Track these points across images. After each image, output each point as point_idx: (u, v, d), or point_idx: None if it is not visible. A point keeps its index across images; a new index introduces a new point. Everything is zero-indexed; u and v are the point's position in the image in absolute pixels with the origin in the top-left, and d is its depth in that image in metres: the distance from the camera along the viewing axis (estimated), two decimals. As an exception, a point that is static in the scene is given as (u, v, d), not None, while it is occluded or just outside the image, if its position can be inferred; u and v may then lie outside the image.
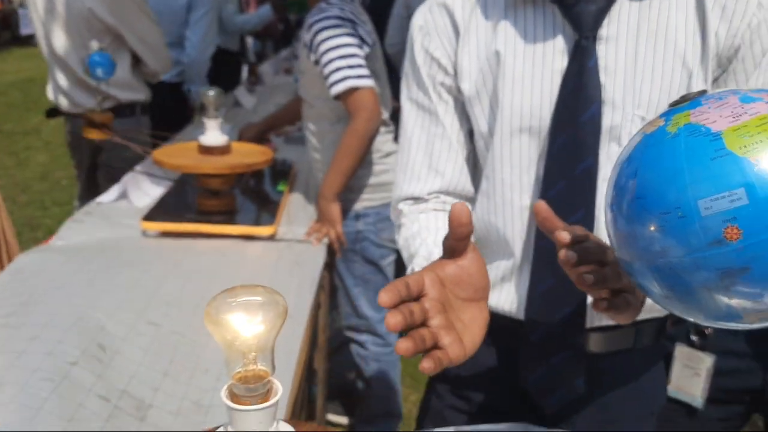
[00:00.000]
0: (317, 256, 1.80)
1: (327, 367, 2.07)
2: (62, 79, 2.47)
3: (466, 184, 1.03)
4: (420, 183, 1.01)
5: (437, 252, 0.89)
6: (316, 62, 1.90)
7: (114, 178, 2.52)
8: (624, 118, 0.88)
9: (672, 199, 0.51)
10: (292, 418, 1.49)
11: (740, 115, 0.50)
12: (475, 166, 1.05)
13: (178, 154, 1.91)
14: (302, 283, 1.62)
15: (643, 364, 1.05)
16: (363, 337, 2.22)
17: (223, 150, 1.90)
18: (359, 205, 2.09)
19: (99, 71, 2.17)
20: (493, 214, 0.99)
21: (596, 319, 0.97)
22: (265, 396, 0.55)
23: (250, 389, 0.54)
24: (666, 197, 0.51)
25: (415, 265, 0.90)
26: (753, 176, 0.47)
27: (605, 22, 0.88)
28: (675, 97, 0.88)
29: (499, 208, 0.97)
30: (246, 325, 0.53)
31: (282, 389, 0.55)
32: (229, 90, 4.01)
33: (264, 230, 1.81)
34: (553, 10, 0.90)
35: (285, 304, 0.54)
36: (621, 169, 0.57)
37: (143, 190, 2.14)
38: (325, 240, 1.89)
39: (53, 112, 2.62)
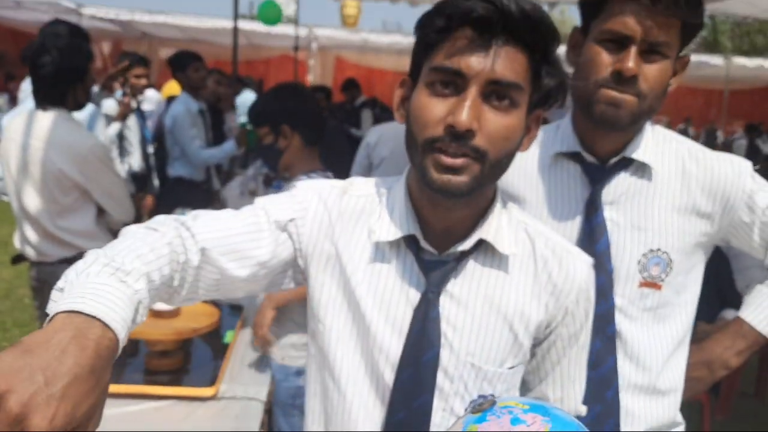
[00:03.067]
0: (255, 413, 1.95)
1: None
2: (31, 233, 2.66)
3: None
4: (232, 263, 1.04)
5: None
6: None
7: (72, 323, 2.66)
8: (458, 363, 1.04)
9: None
10: None
11: (504, 435, 0.70)
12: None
13: (130, 317, 2.08)
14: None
15: None
16: (301, 485, 2.33)
17: (173, 313, 2.09)
18: (302, 362, 2.26)
19: None
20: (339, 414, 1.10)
21: None
22: None
23: None
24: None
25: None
26: None
27: (452, 279, 1.05)
28: (502, 351, 1.06)
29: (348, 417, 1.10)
30: None
31: None
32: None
33: (205, 392, 1.97)
34: (411, 262, 1.05)
35: None
36: None
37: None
38: (263, 398, 2.05)
39: (19, 258, 2.79)
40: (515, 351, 1.07)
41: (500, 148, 0.95)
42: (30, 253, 2.71)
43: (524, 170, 1.43)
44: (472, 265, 1.06)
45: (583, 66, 1.30)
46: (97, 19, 11.99)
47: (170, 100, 5.04)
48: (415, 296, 1.05)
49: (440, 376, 1.05)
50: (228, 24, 7.28)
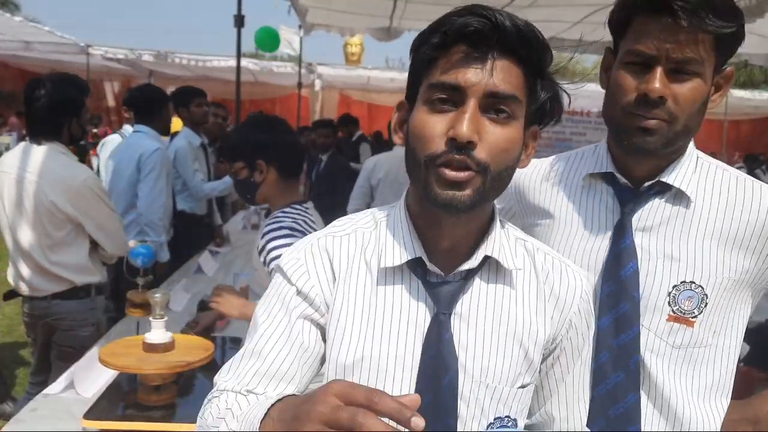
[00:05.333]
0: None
1: None
2: (24, 268, 2.63)
3: None
4: (275, 385, 1.03)
5: None
6: (266, 264, 2.08)
7: (65, 358, 2.62)
8: (473, 385, 1.02)
9: None
10: None
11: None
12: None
13: (122, 351, 2.03)
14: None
15: None
16: None
17: (167, 347, 2.03)
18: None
19: (139, 260, 2.42)
20: None
21: None
22: None
23: None
24: None
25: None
26: None
27: (461, 300, 1.03)
28: (514, 368, 1.03)
29: None
30: None
31: None
32: (194, 254, 4.20)
33: (199, 428, 1.90)
34: (417, 285, 1.03)
35: None
36: None
37: (91, 379, 2.23)
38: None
39: (11, 294, 2.75)
40: (526, 368, 1.05)
41: (500, 161, 0.95)
42: (23, 288, 2.67)
43: (555, 190, 1.38)
44: (478, 284, 1.05)
45: (611, 91, 1.25)
46: (106, 58, 12.16)
47: (173, 135, 5.05)
48: (423, 320, 1.03)
49: (459, 400, 1.01)
50: (233, 62, 7.35)
